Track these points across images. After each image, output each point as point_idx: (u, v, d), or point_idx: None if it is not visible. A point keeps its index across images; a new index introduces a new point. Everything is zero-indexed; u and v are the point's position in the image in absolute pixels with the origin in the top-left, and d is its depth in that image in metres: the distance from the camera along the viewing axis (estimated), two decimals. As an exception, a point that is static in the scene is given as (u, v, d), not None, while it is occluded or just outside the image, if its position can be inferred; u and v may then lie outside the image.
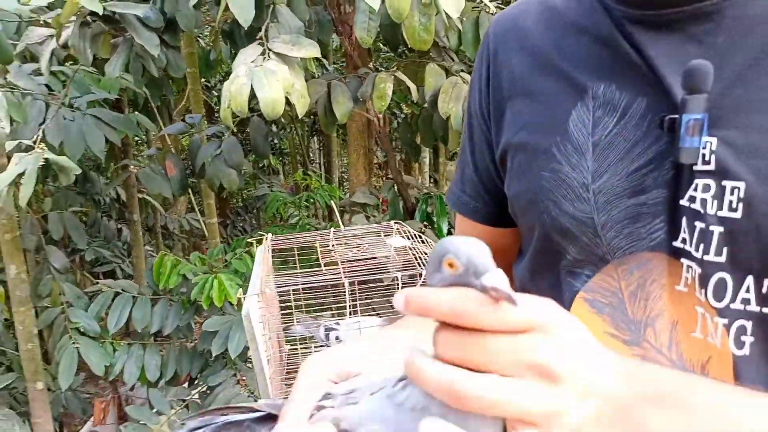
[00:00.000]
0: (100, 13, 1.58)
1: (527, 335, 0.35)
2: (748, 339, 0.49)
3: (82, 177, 3.32)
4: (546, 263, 0.59)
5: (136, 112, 3.00)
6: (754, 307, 0.48)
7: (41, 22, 1.97)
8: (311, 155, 7.90)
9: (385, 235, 1.40)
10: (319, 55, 1.66)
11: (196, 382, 2.77)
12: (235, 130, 2.17)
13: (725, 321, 0.49)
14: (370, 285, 1.26)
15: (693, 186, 0.49)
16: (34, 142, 1.67)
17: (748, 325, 0.49)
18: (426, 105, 2.28)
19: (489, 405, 0.34)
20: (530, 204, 0.58)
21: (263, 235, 1.44)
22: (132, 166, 2.91)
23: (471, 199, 0.68)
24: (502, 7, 2.13)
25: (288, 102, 1.58)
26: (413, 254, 1.32)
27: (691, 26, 0.50)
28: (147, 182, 2.39)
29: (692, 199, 0.50)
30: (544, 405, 0.35)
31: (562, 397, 0.35)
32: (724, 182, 0.48)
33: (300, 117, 1.69)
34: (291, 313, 1.27)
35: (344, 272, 1.20)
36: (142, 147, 4.82)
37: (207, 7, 2.12)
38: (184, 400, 2.54)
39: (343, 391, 0.45)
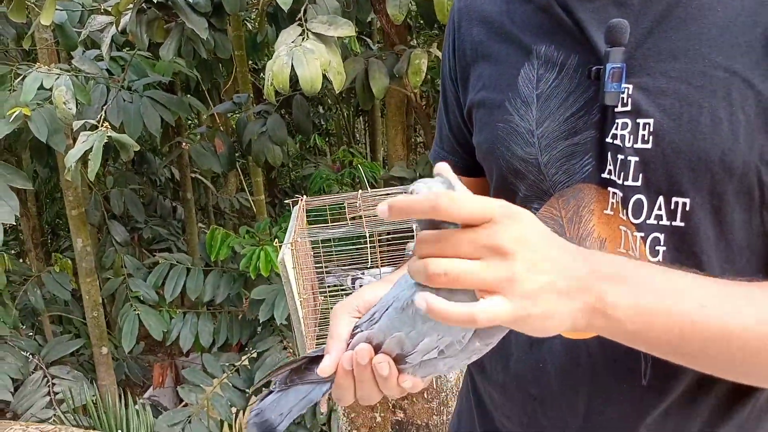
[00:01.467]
0: (155, 0, 1.71)
1: (485, 226, 0.44)
2: (661, 248, 0.58)
3: (139, 158, 3.54)
4: (504, 200, 0.68)
5: (188, 95, 3.17)
6: (664, 221, 0.58)
7: (102, 11, 2.12)
8: (357, 135, 8.01)
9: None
10: (353, 34, 1.74)
11: (246, 348, 2.94)
12: (278, 106, 2.28)
13: (642, 234, 0.58)
14: (393, 237, 1.36)
15: (615, 125, 0.58)
16: (98, 122, 1.83)
17: (661, 236, 0.58)
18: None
19: (454, 279, 0.44)
20: (490, 151, 0.68)
21: (298, 197, 1.56)
22: (184, 143, 3.08)
23: (448, 154, 0.78)
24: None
25: (326, 78, 1.67)
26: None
27: None
28: (198, 159, 2.55)
29: (614, 137, 0.59)
30: (496, 274, 0.44)
31: (514, 267, 0.44)
32: (638, 120, 0.57)
33: (338, 92, 1.78)
34: (322, 265, 1.39)
35: (367, 225, 1.30)
36: (194, 129, 5.04)
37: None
38: (234, 365, 2.72)
39: (366, 318, 0.56)
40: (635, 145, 0.57)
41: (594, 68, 0.58)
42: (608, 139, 0.59)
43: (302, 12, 1.75)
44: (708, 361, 0.51)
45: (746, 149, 0.53)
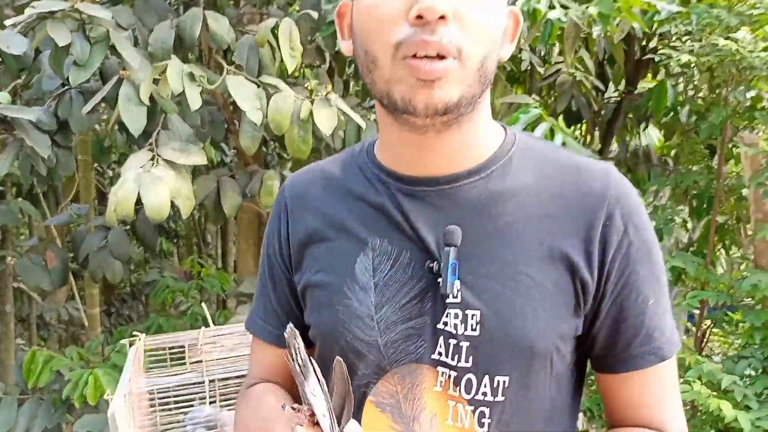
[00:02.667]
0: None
1: None
2: (486, 420, 0.68)
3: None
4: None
5: (20, 198, 2.93)
6: (489, 397, 0.68)
7: None
8: (208, 238, 7.78)
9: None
10: (205, 163, 1.79)
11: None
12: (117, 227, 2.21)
13: (472, 408, 0.68)
14: (233, 380, 1.36)
15: (447, 314, 0.68)
16: None
17: (486, 410, 0.68)
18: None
19: None
20: (330, 332, 0.74)
21: (136, 336, 1.49)
22: (9, 258, 2.81)
23: (274, 329, 0.81)
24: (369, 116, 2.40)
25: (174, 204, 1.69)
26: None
27: (436, 200, 0.70)
28: (24, 274, 2.33)
29: (446, 324, 0.68)
30: None
31: None
32: (466, 311, 0.68)
33: (185, 217, 1.79)
34: (156, 412, 1.33)
35: (207, 370, 1.30)
36: (24, 231, 4.59)
37: (103, 108, 2.21)
38: None
39: None
40: (465, 332, 0.67)
41: (433, 264, 0.67)
42: (440, 325, 0.68)
43: (154, 137, 1.77)
44: None
45: (547, 334, 0.67)
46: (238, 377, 1.37)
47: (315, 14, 1.99)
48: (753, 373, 2.25)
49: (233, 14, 2.32)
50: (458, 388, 0.68)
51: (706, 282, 2.59)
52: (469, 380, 0.68)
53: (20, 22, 1.68)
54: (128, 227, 2.51)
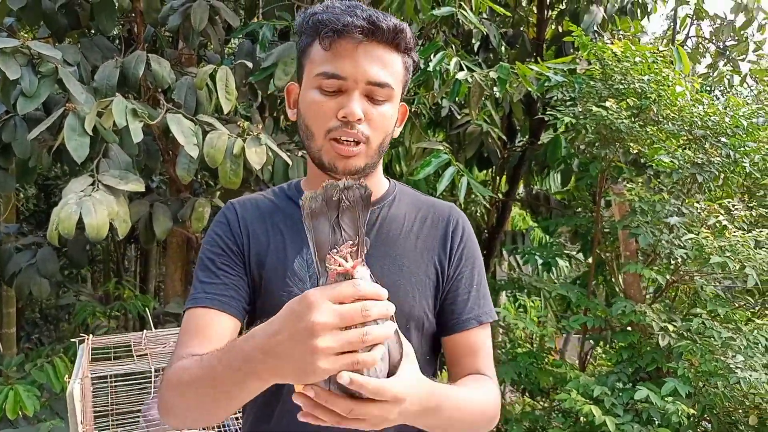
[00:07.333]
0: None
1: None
2: None
3: None
4: None
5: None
6: None
7: None
8: (127, 263, 7.62)
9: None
10: (143, 190, 1.97)
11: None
12: (57, 245, 2.32)
13: None
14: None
15: None
16: None
17: None
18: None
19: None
20: (275, 312, 0.87)
21: (83, 337, 1.64)
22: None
23: (234, 300, 0.97)
24: (292, 150, 2.65)
25: (111, 225, 1.85)
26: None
27: None
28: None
29: None
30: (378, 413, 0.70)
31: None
32: None
33: (121, 237, 1.95)
34: (108, 401, 1.50)
35: (152, 362, 1.48)
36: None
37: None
38: None
39: None
40: None
41: None
42: None
43: (95, 164, 1.94)
44: (454, 430, 0.88)
45: (420, 307, 0.99)
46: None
47: (250, 64, 2.24)
48: (622, 386, 2.63)
49: (173, 55, 2.53)
50: None
51: (587, 309, 2.99)
52: None
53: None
54: (58, 247, 2.60)
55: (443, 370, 1.37)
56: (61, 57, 1.93)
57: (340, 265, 0.67)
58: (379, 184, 1.06)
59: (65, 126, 1.85)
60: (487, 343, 1.05)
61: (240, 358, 0.72)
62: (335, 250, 0.68)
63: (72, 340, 1.69)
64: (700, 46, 5.31)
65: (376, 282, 0.69)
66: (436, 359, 1.07)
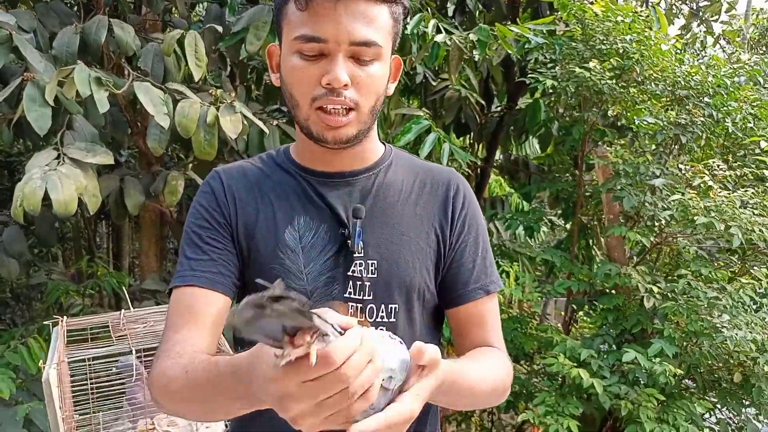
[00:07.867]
0: None
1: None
2: None
3: None
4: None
5: None
6: (385, 319, 0.93)
7: None
8: (98, 240, 7.43)
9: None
10: (111, 162, 1.87)
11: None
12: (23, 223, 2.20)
13: (373, 328, 0.90)
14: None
15: (354, 264, 0.93)
16: None
17: (384, 329, 0.87)
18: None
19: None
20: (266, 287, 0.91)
21: (57, 318, 1.56)
22: None
23: (224, 278, 0.92)
24: (265, 120, 2.56)
25: (80, 200, 1.75)
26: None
27: (344, 187, 0.96)
28: None
29: (353, 272, 0.93)
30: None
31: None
32: (368, 261, 0.93)
33: (92, 213, 1.85)
34: (88, 385, 1.43)
35: (132, 343, 1.41)
36: None
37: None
38: None
39: None
40: (367, 276, 0.92)
41: (345, 231, 0.92)
42: (349, 273, 0.93)
43: (59, 136, 1.82)
44: (468, 405, 0.87)
45: (420, 274, 0.94)
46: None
47: (219, 28, 2.12)
48: (607, 348, 2.65)
49: (136, 20, 2.39)
50: (364, 314, 0.93)
51: (571, 273, 2.99)
52: (371, 308, 0.93)
53: None
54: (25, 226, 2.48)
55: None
56: (15, 23, 1.79)
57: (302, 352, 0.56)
58: (374, 149, 1.00)
59: (24, 97, 1.73)
60: (495, 312, 1.01)
61: (228, 387, 0.71)
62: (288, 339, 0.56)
63: (45, 322, 1.60)
64: (674, 6, 5.28)
65: (341, 323, 0.61)
66: (438, 330, 1.03)
